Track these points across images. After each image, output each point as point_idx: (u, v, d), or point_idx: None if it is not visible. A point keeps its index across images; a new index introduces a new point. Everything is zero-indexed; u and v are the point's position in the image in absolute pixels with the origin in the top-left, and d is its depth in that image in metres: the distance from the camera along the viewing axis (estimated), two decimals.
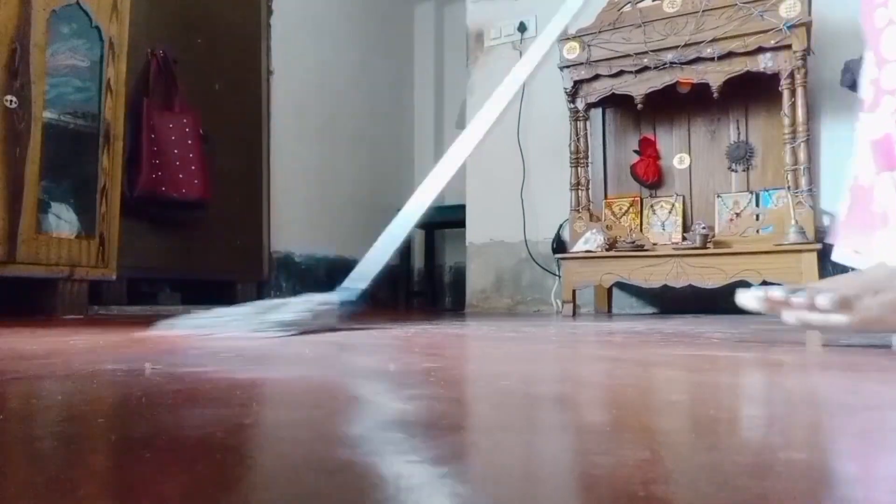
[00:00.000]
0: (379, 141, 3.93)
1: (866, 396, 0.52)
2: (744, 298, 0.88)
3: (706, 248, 2.25)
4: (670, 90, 2.41)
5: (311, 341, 1.01)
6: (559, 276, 2.69)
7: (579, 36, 2.50)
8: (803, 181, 2.16)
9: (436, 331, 1.33)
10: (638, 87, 2.40)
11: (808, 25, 2.15)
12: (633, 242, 2.39)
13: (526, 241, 2.98)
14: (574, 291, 2.46)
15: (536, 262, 2.95)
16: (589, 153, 2.61)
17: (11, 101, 1.84)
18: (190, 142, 2.53)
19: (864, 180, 0.94)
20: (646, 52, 2.36)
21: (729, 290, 2.49)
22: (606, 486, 0.27)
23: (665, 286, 2.41)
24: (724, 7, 2.25)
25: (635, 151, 2.70)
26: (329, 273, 3.49)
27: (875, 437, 0.38)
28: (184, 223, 2.64)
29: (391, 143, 4.05)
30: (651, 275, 2.32)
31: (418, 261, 4.04)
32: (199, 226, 2.70)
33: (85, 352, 0.84)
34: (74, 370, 0.65)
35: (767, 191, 2.43)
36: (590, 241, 2.43)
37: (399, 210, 1.21)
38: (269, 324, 1.07)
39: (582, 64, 2.49)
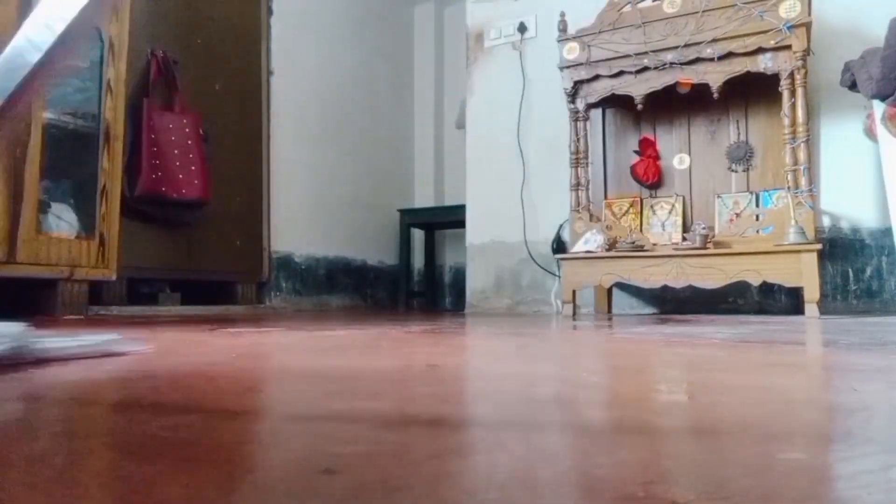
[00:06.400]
0: (379, 141, 3.93)
1: (866, 396, 0.52)
2: None
3: (706, 248, 2.25)
4: (670, 90, 2.41)
5: None
6: (559, 277, 2.69)
7: (579, 36, 2.50)
8: (803, 181, 2.16)
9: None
10: (638, 88, 2.40)
11: (808, 26, 2.15)
12: (633, 243, 2.39)
13: (526, 241, 2.97)
14: (574, 292, 2.46)
15: (536, 263, 2.95)
16: (589, 153, 2.61)
17: None
18: (190, 142, 2.53)
19: None
20: (646, 53, 2.36)
21: (729, 291, 2.50)
22: (610, 486, 0.27)
23: (665, 286, 2.41)
24: (724, 7, 2.25)
25: (635, 152, 2.70)
26: (329, 273, 3.49)
27: (874, 437, 0.38)
28: (184, 223, 2.63)
29: (391, 143, 4.05)
30: (651, 275, 2.32)
31: (418, 261, 4.04)
32: (199, 226, 2.70)
33: None
34: None
35: (767, 191, 2.43)
36: (590, 241, 2.43)
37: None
38: None
39: (582, 64, 2.49)
